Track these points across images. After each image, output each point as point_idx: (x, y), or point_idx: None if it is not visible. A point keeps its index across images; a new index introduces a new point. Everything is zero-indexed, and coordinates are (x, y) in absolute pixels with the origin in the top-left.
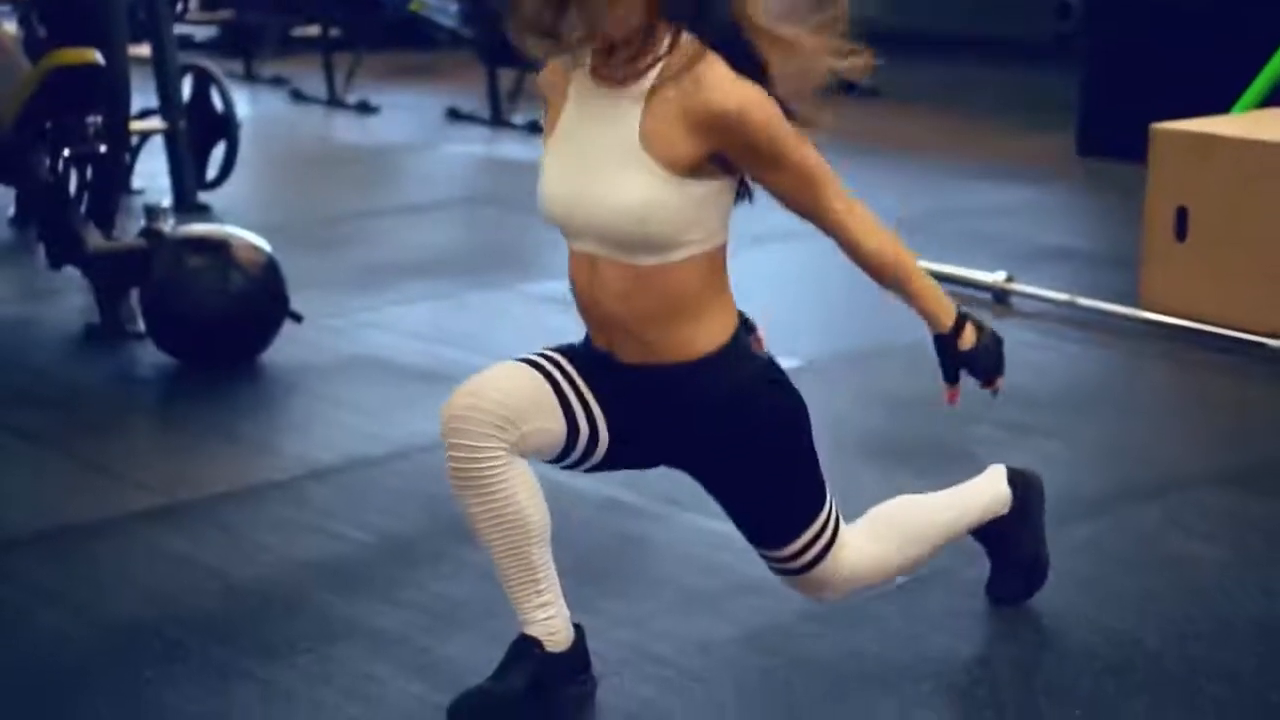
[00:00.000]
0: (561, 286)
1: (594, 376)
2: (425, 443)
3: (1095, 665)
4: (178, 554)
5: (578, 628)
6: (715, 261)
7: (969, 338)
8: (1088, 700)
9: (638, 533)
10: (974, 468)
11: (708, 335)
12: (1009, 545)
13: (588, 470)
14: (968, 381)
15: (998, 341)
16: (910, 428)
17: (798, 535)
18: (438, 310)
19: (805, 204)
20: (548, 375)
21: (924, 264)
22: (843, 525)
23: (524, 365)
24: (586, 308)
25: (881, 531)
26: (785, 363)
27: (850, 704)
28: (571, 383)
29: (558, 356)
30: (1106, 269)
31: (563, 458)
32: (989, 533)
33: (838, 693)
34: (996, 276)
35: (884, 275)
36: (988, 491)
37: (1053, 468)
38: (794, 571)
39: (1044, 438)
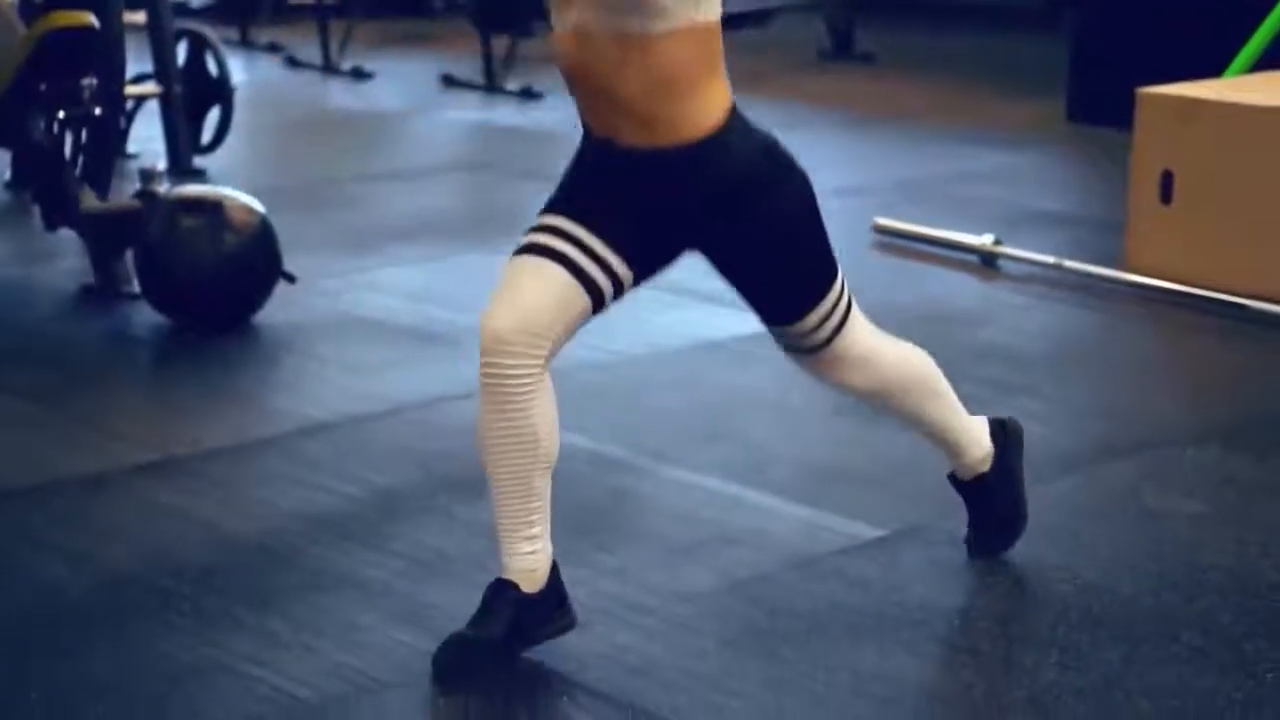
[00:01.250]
0: None
1: (598, 208)
2: (416, 400)
3: (1071, 615)
4: (171, 507)
5: (553, 564)
6: (708, 38)
7: None
8: (1063, 649)
9: (624, 487)
10: None
11: (705, 112)
12: (989, 499)
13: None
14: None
15: None
16: None
17: (815, 305)
18: (430, 272)
19: None
20: (561, 258)
21: (914, 228)
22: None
23: (541, 262)
24: (580, 81)
25: (896, 350)
26: None
27: (830, 651)
28: (583, 248)
29: (562, 224)
30: (1093, 232)
31: (596, 315)
32: (969, 485)
33: (818, 640)
34: (984, 240)
35: None
36: (977, 431)
37: (1034, 425)
38: (815, 348)
39: (1027, 396)
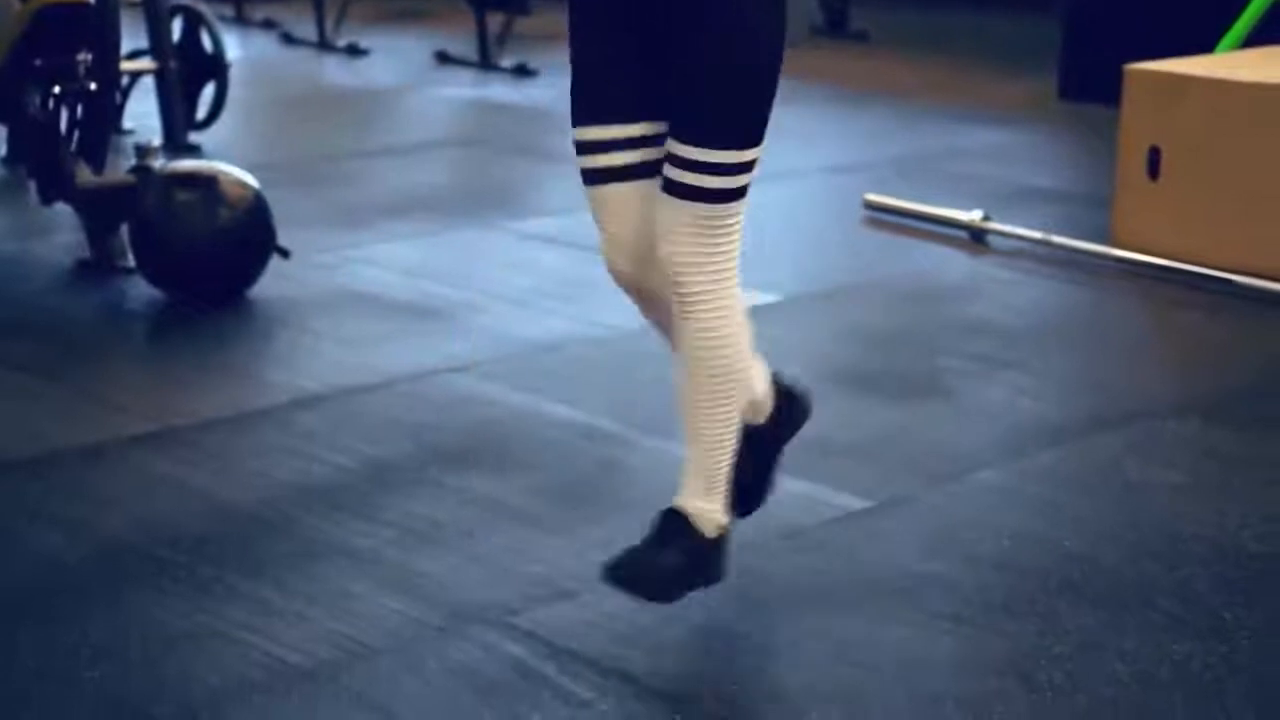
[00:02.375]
0: (545, 223)
1: (609, 86)
2: (409, 373)
3: (1052, 583)
4: (167, 477)
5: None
6: None
7: None
8: (1043, 616)
9: (614, 459)
10: (945, 398)
11: None
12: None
13: None
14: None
15: None
16: (883, 360)
17: (732, 145)
18: (424, 247)
19: None
20: (617, 173)
21: (903, 203)
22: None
23: (605, 191)
24: None
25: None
26: (763, 298)
27: (814, 618)
28: (626, 144)
29: (594, 134)
30: (1082, 208)
31: None
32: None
33: (803, 608)
34: (973, 215)
35: None
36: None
37: (1020, 398)
38: (701, 195)
39: (1014, 370)
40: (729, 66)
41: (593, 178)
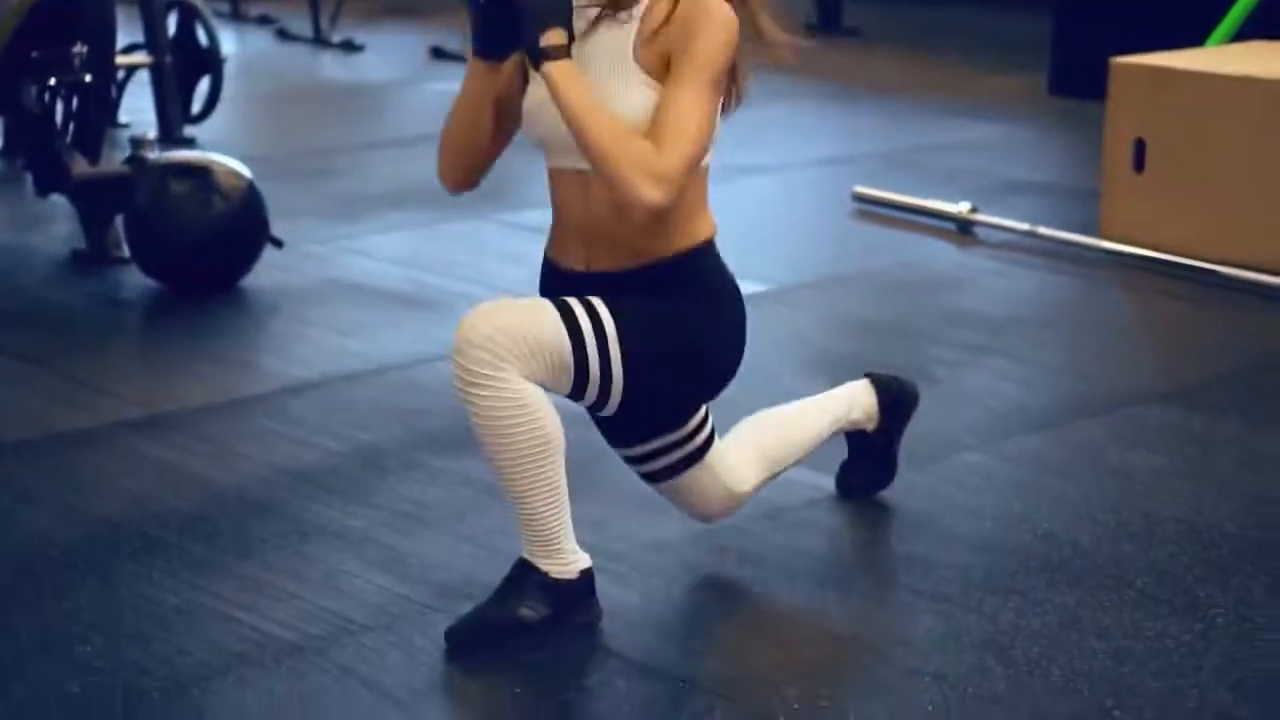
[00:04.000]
0: (538, 215)
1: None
2: (401, 360)
3: (1031, 563)
4: (159, 461)
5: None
6: (703, 175)
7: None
8: (1021, 594)
9: (602, 444)
10: (930, 384)
11: (690, 235)
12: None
13: None
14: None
15: None
16: (870, 349)
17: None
18: (416, 238)
19: (651, 132)
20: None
21: (892, 195)
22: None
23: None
24: (579, 228)
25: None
26: (751, 288)
27: (795, 596)
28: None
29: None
30: (1069, 201)
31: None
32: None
33: (784, 586)
34: (960, 207)
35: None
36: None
37: (1005, 384)
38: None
39: (999, 358)
40: (663, 319)
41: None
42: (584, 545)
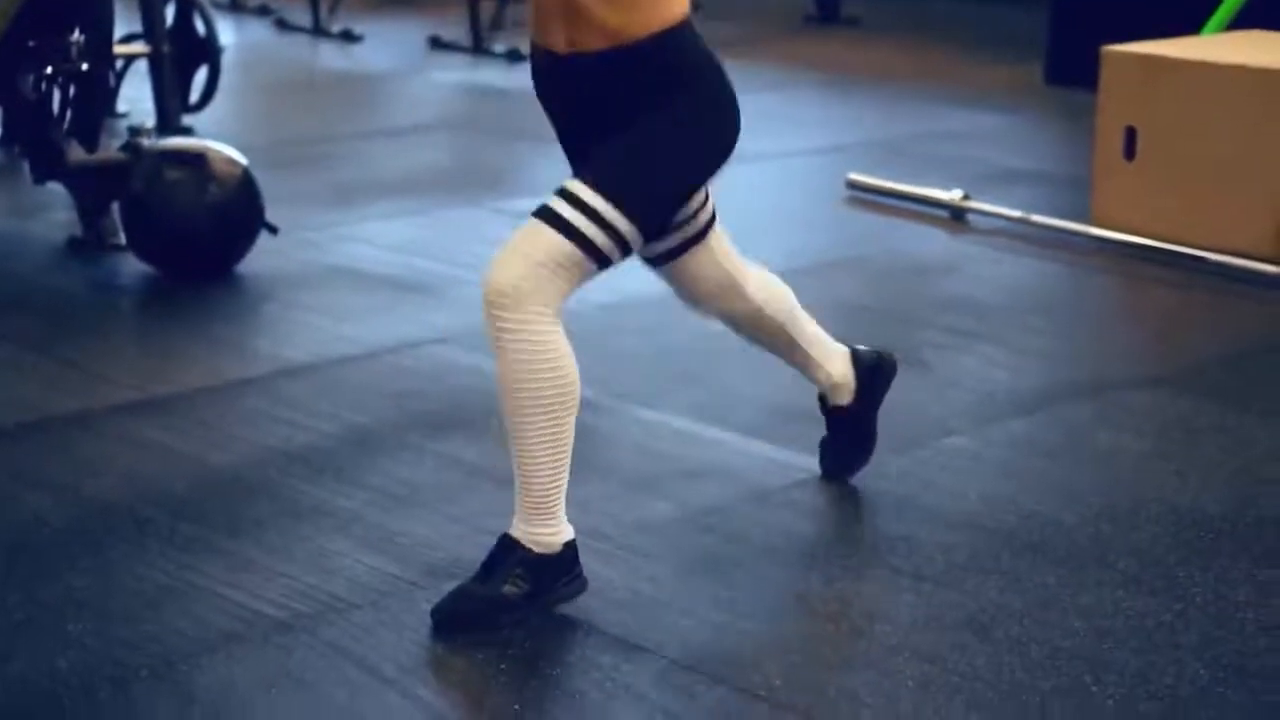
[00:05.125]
0: (529, 203)
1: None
2: (394, 344)
3: (1015, 543)
4: (153, 442)
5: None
6: None
7: None
8: (1004, 574)
9: (590, 425)
10: (919, 368)
11: (664, 16)
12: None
13: None
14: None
15: None
16: (861, 333)
17: (611, 196)
18: (412, 225)
19: None
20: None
21: (885, 183)
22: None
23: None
24: (559, 4)
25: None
26: None
27: (780, 575)
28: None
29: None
30: (1062, 189)
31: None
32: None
33: (769, 565)
34: (953, 195)
35: None
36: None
37: (994, 369)
38: (563, 228)
39: (989, 343)
40: (645, 137)
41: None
42: (570, 524)
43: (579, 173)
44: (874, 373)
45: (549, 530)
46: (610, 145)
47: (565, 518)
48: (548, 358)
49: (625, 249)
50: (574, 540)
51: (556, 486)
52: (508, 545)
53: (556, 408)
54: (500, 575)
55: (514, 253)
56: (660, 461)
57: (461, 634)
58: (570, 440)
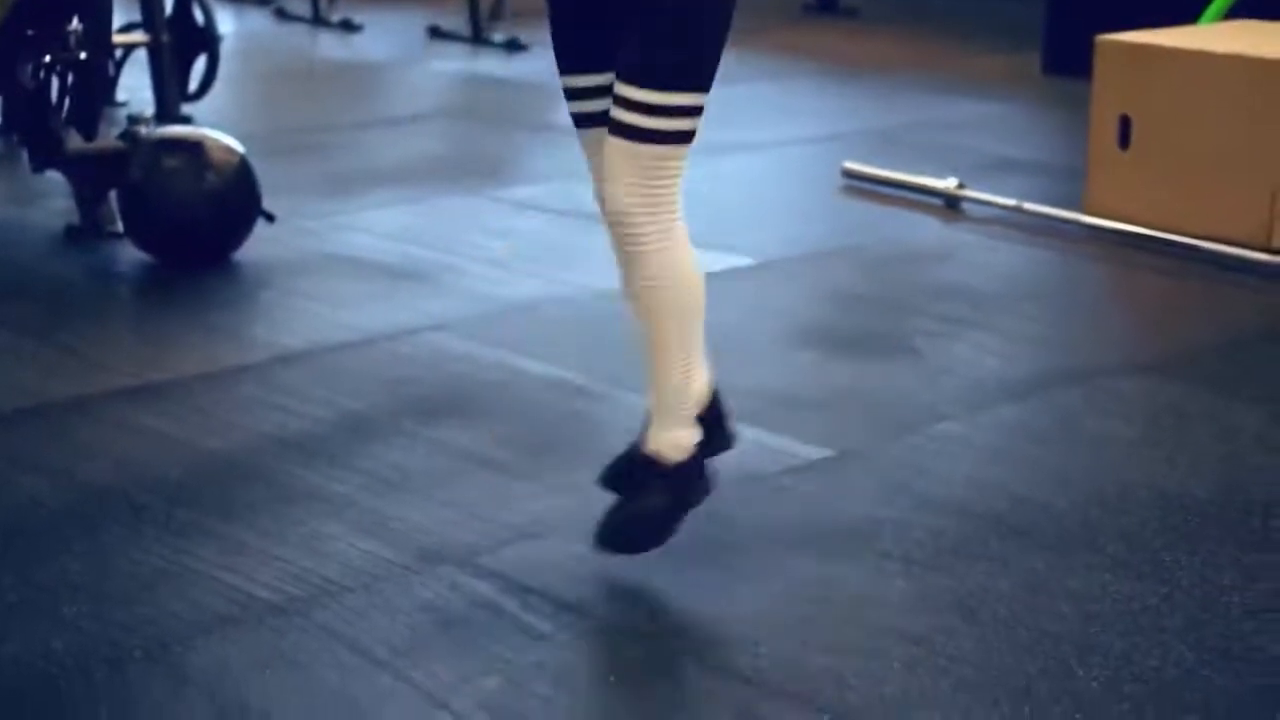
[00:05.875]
0: (526, 191)
1: (581, 41)
2: (389, 331)
3: (1004, 527)
4: (149, 428)
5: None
6: None
7: None
8: (992, 558)
9: (583, 410)
10: (912, 356)
11: None
12: (647, 488)
13: None
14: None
15: None
16: (854, 320)
17: (671, 88)
18: (409, 213)
19: None
20: (603, 118)
21: (880, 171)
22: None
23: (596, 132)
24: None
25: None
26: (741, 261)
27: (770, 559)
28: (609, 89)
29: (575, 81)
30: (1057, 178)
31: None
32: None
33: (760, 550)
34: (947, 183)
35: None
36: (699, 380)
37: (986, 356)
38: (642, 135)
39: (981, 330)
40: (674, 10)
41: (576, 121)
42: (564, 509)
43: (620, 67)
44: (711, 431)
45: (683, 432)
46: (643, 31)
47: (695, 420)
48: (674, 266)
49: (700, 112)
50: (703, 440)
51: (693, 390)
52: (647, 461)
53: (686, 311)
54: (644, 493)
55: (616, 181)
56: None
57: (629, 555)
58: (700, 341)
